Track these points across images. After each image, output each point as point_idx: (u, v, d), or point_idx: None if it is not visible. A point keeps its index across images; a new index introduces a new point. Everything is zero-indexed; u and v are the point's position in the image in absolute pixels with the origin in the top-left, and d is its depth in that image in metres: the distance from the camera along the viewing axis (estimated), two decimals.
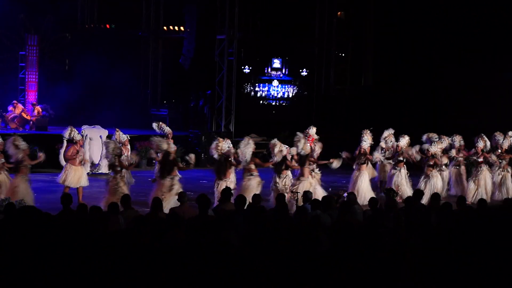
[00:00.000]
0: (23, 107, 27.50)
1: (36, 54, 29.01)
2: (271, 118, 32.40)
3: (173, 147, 16.60)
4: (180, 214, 10.15)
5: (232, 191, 13.58)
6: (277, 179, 16.75)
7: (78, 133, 17.29)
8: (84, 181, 16.99)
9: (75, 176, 16.78)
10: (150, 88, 34.25)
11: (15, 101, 27.34)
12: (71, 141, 17.12)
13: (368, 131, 18.71)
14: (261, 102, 33.52)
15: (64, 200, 11.19)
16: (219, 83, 29.47)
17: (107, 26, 33.22)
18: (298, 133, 17.53)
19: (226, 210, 11.41)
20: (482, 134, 19.61)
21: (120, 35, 33.16)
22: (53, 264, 7.28)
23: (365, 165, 18.60)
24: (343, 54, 35.62)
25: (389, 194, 13.61)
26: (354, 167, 18.68)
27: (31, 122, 26.73)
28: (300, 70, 34.11)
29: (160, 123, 19.61)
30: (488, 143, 19.56)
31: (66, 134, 17.15)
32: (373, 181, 19.25)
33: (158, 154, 16.68)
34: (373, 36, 34.32)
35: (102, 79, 31.04)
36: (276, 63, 33.49)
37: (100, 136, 22.81)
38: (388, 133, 19.65)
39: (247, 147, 16.50)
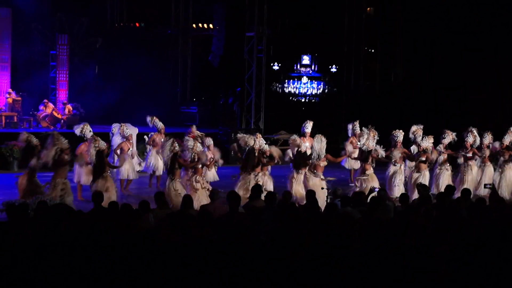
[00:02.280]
0: (54, 106, 27.72)
1: (67, 53, 29.21)
2: (301, 114, 32.29)
3: (259, 143, 16.47)
4: (211, 211, 10.15)
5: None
6: (295, 175, 16.61)
7: (90, 131, 17.25)
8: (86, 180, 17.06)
9: (86, 174, 16.95)
10: (179, 86, 34.34)
11: (46, 100, 27.58)
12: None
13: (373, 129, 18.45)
14: (290, 98, 33.47)
15: (95, 198, 11.25)
16: (248, 80, 29.46)
17: (137, 24, 33.37)
18: (364, 128, 17.97)
19: (256, 207, 11.39)
20: (472, 129, 19.18)
21: (150, 33, 33.27)
22: (84, 261, 7.31)
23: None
24: (373, 51, 35.43)
25: (421, 190, 13.48)
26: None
27: (62, 120, 26.92)
28: (330, 67, 34.00)
29: (154, 117, 19.57)
30: (478, 138, 19.13)
31: (78, 131, 17.19)
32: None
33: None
34: (402, 32, 34.08)
35: (132, 77, 31.19)
36: (306, 60, 33.41)
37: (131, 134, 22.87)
38: (416, 127, 19.23)
39: (322, 144, 16.43)
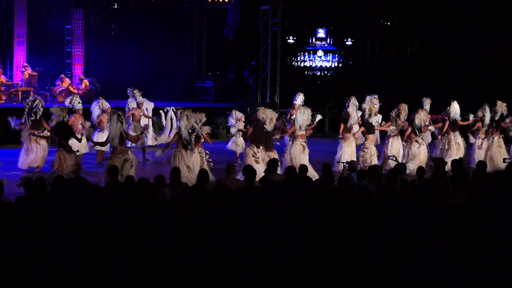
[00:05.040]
0: (70, 81, 27.79)
1: (82, 28, 29.23)
2: (316, 88, 32.25)
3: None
4: (227, 185, 10.18)
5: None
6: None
7: (79, 102, 17.64)
8: (84, 149, 17.61)
9: (78, 146, 17.10)
10: (195, 60, 34.33)
11: (62, 75, 27.67)
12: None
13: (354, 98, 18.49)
14: (305, 72, 33.37)
15: (111, 172, 11.30)
16: (263, 54, 29.40)
17: None
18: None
19: (273, 180, 11.41)
20: (485, 106, 19.29)
21: (165, 7, 33.19)
22: (100, 235, 7.36)
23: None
24: (389, 23, 35.20)
25: (438, 163, 13.44)
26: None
27: (78, 95, 26.98)
28: (345, 40, 33.85)
29: (135, 90, 19.62)
30: (489, 114, 19.22)
31: (67, 102, 17.44)
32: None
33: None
34: (418, 3, 33.83)
35: (147, 51, 31.21)
36: (321, 33, 33.26)
37: (146, 109, 22.93)
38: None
39: (304, 116, 16.91)
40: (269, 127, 16.29)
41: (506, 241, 4.74)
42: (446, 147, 19.01)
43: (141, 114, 19.41)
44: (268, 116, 16.26)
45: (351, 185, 10.90)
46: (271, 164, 12.47)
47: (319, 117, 18.00)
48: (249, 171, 10.97)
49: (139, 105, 19.66)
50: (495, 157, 18.48)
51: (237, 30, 31.04)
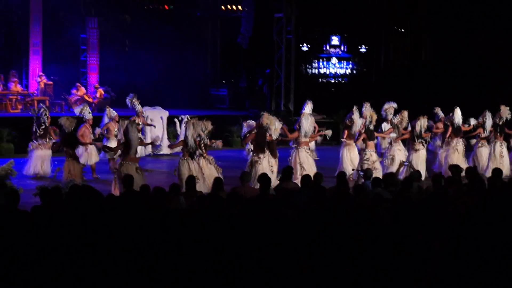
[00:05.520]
0: (85, 90, 27.92)
1: (97, 36, 29.35)
2: (330, 95, 32.26)
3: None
4: (241, 193, 10.19)
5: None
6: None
7: (89, 112, 17.92)
8: (95, 158, 17.96)
9: (89, 155, 17.73)
10: (209, 68, 34.40)
11: (78, 84, 27.80)
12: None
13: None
14: (320, 79, 33.40)
15: (126, 181, 11.32)
16: (277, 61, 29.43)
17: (166, 7, 33.39)
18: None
19: (288, 188, 11.42)
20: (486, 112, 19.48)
21: (179, 15, 33.28)
22: (116, 243, 7.39)
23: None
24: (402, 30, 35.18)
25: (453, 170, 13.38)
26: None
27: (93, 104, 27.10)
28: (359, 47, 33.86)
29: (134, 99, 19.69)
30: (490, 121, 19.35)
31: (77, 111, 17.67)
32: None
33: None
34: (431, 8, 33.77)
35: (162, 60, 31.28)
36: (335, 40, 33.30)
37: (161, 117, 23.01)
38: (389, 105, 19.28)
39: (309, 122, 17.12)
40: (274, 135, 16.39)
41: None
42: (447, 152, 19.13)
43: (141, 123, 19.42)
44: (272, 123, 16.32)
45: (365, 192, 10.90)
46: (286, 172, 12.46)
47: (329, 133, 18.50)
48: (264, 179, 10.97)
49: (138, 114, 19.72)
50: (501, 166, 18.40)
51: (251, 38, 31.09)
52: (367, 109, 17.98)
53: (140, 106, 19.35)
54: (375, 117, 17.80)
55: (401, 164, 16.76)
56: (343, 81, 33.82)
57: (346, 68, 33.86)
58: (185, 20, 33.42)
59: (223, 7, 33.38)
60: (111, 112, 18.98)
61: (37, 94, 27.10)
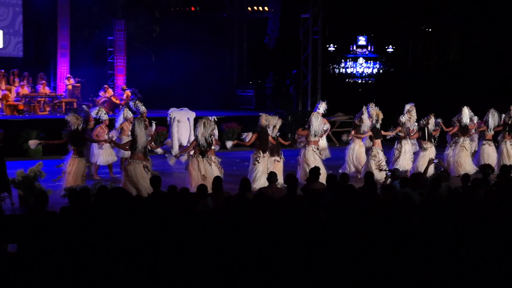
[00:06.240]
0: (112, 92, 28.07)
1: (124, 38, 29.48)
2: (357, 96, 32.13)
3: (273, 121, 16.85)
4: (269, 194, 10.17)
5: None
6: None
7: (105, 113, 18.09)
8: (112, 157, 18.07)
9: (105, 155, 17.81)
10: (235, 70, 34.42)
11: (106, 86, 27.95)
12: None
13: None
14: (346, 80, 33.29)
15: (154, 182, 11.33)
16: (304, 62, 29.35)
17: (192, 8, 33.47)
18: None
19: (316, 189, 11.38)
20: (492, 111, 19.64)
21: (205, 17, 33.34)
22: (144, 244, 7.41)
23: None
24: (430, 29, 34.97)
25: (484, 171, 13.27)
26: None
27: (120, 106, 27.21)
28: (386, 47, 33.72)
29: (137, 101, 19.74)
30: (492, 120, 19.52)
31: (93, 113, 17.81)
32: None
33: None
34: (460, 8, 33.53)
35: (188, 61, 31.35)
36: (362, 41, 33.19)
37: (188, 119, 22.98)
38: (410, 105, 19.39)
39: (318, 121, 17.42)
40: (272, 133, 16.71)
41: None
42: (454, 151, 19.32)
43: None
44: (271, 123, 16.69)
45: (394, 193, 10.83)
46: (313, 173, 12.42)
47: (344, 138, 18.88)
48: (292, 180, 10.95)
49: (142, 115, 19.76)
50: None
51: (277, 39, 31.04)
52: (373, 108, 18.33)
53: (143, 107, 19.39)
54: (381, 116, 18.26)
55: (430, 162, 16.73)
56: (370, 81, 33.69)
57: (373, 68, 33.74)
58: (211, 21, 33.47)
59: (249, 9, 33.40)
60: (127, 112, 19.14)
61: (65, 96, 27.30)
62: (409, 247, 7.43)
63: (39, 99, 25.94)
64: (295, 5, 29.87)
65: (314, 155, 17.13)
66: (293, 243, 7.35)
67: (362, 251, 7.26)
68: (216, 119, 17.28)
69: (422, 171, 17.11)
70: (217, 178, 11.98)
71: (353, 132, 18.63)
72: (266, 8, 32.43)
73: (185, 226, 7.98)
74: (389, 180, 13.29)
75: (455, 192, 11.27)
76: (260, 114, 17.09)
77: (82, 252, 7.26)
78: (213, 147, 15.87)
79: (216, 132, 17.28)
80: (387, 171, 15.38)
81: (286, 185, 11.72)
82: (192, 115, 23.11)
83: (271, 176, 12.11)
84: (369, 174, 12.64)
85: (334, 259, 7.09)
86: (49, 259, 7.14)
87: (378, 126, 18.06)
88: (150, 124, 17.41)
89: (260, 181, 15.79)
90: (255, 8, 33.19)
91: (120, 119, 19.21)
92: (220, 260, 7.09)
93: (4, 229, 8.98)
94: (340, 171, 17.36)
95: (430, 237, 7.78)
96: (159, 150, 18.31)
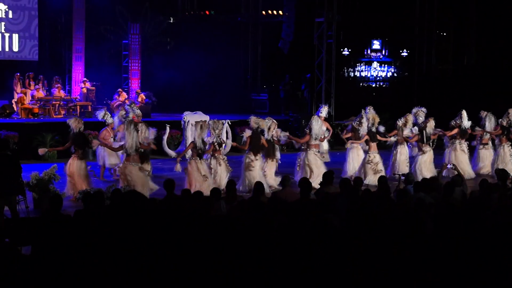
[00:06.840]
0: (127, 95, 28.14)
1: (139, 42, 29.57)
2: (371, 100, 32.04)
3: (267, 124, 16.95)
4: (282, 198, 10.17)
5: None
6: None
7: (110, 116, 18.14)
8: (116, 159, 17.98)
9: (111, 157, 17.86)
10: (250, 73, 34.44)
11: (120, 89, 28.02)
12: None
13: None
14: (361, 84, 33.23)
15: (167, 185, 11.34)
16: (318, 66, 29.34)
17: (207, 12, 33.52)
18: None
19: (329, 193, 11.37)
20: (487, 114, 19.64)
21: (220, 21, 33.38)
22: (158, 247, 7.42)
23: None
24: (444, 33, 34.86)
25: (500, 175, 13.19)
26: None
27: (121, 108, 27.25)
28: (400, 51, 33.62)
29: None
30: (491, 123, 19.59)
31: (100, 116, 17.90)
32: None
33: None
34: (476, 12, 33.40)
35: (203, 65, 31.40)
36: (376, 45, 33.11)
37: None
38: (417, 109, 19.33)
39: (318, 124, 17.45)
40: (267, 135, 16.87)
41: None
42: (452, 153, 19.28)
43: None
44: (261, 125, 16.81)
45: (408, 197, 10.80)
46: (327, 176, 12.42)
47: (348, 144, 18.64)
48: (305, 183, 10.95)
49: (138, 118, 19.83)
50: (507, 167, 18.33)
51: (291, 43, 31.05)
52: (371, 112, 18.39)
53: (138, 110, 19.43)
54: (377, 119, 18.35)
55: (444, 166, 16.79)
56: (384, 86, 33.61)
57: (387, 72, 33.66)
58: (226, 25, 33.50)
59: (264, 12, 33.42)
60: (121, 115, 19.22)
61: (80, 99, 27.42)
62: (423, 251, 7.41)
63: (54, 102, 26.06)
64: (309, 9, 29.89)
65: (316, 158, 17.21)
66: (307, 247, 7.35)
67: (376, 255, 7.25)
68: (230, 123, 17.36)
69: (423, 174, 17.22)
70: (230, 182, 12.01)
71: (349, 142, 18.45)
72: (280, 12, 32.44)
73: (200, 229, 7.99)
74: (402, 185, 13.27)
75: (470, 196, 11.23)
76: (250, 116, 17.18)
77: (96, 255, 7.28)
78: (221, 148, 16.01)
79: (230, 135, 17.38)
80: (400, 175, 15.37)
81: (278, 187, 11.71)
82: (206, 118, 23.15)
83: (285, 180, 12.10)
84: (382, 178, 12.59)
85: (348, 262, 7.08)
86: (63, 262, 7.16)
87: (373, 129, 18.09)
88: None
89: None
90: (270, 12, 33.20)
91: (116, 121, 19.25)
92: (236, 263, 7.09)
93: (18, 232, 9.03)
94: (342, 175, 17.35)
95: (443, 242, 7.76)
96: (172, 154, 18.37)
